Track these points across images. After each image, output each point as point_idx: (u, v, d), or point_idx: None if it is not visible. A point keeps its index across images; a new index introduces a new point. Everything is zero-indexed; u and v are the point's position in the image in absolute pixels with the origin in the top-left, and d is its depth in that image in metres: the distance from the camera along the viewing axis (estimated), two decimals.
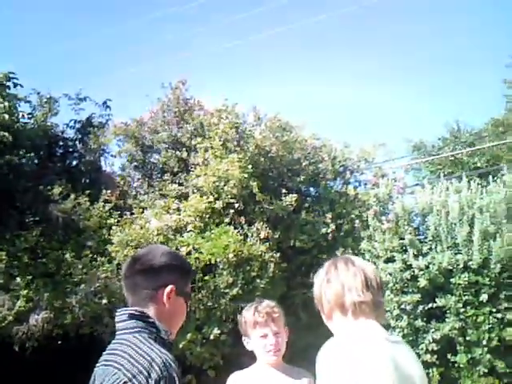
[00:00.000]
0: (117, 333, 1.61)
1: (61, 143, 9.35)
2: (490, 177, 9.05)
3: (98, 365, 1.61)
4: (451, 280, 7.47)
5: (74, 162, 9.35)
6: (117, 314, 1.64)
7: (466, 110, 28.28)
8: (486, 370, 7.11)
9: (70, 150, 9.37)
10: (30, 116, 8.78)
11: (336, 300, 1.68)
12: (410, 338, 7.41)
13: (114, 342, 1.61)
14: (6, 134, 7.29)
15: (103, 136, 9.04)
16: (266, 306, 2.45)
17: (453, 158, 15.86)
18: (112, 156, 9.40)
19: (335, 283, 1.70)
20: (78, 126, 9.32)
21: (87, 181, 8.95)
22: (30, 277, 6.64)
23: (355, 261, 1.75)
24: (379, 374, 1.50)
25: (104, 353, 1.61)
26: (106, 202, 7.72)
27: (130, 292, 1.67)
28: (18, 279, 6.53)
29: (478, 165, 15.03)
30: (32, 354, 6.89)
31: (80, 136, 9.28)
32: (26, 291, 6.44)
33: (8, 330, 6.38)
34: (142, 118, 9.34)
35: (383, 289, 1.76)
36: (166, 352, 1.51)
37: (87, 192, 7.72)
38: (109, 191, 7.97)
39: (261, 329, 2.38)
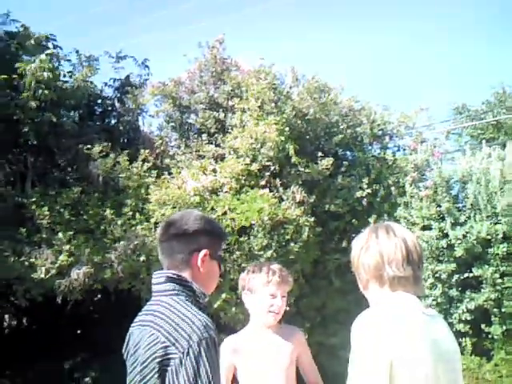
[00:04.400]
0: (153, 294, 1.64)
1: (100, 102, 9.46)
2: None
3: (133, 325, 1.65)
4: (489, 250, 7.34)
5: (113, 121, 9.47)
6: (154, 276, 1.67)
7: None
8: None
9: (109, 109, 9.48)
10: (70, 74, 8.88)
11: (374, 271, 1.63)
12: (444, 307, 7.38)
13: (150, 303, 1.64)
14: (48, 92, 7.39)
15: (141, 96, 9.07)
16: (280, 268, 2.49)
17: (495, 123, 15.27)
18: (150, 116, 9.46)
19: (375, 253, 1.63)
20: (116, 84, 9.40)
21: (126, 140, 9.08)
22: (71, 232, 6.85)
23: (397, 230, 1.67)
24: (416, 348, 1.50)
25: (140, 313, 1.65)
26: (144, 161, 7.81)
27: (165, 256, 1.69)
28: (61, 234, 6.75)
29: None
30: (73, 307, 7.21)
31: (119, 95, 9.35)
32: (67, 246, 6.67)
33: (51, 283, 6.66)
34: (180, 78, 9.27)
35: (423, 261, 1.71)
36: (203, 314, 1.54)
37: (126, 151, 7.82)
38: (147, 151, 8.05)
39: (273, 287, 2.40)
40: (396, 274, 1.59)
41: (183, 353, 1.41)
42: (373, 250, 1.64)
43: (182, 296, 1.58)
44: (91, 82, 8.95)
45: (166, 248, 1.69)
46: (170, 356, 1.43)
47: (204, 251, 1.65)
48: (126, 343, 1.66)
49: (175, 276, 1.61)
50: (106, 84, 9.37)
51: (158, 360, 1.44)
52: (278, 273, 2.42)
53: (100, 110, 9.47)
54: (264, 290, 2.42)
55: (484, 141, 9.79)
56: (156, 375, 1.44)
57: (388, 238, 1.64)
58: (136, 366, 1.52)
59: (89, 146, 7.64)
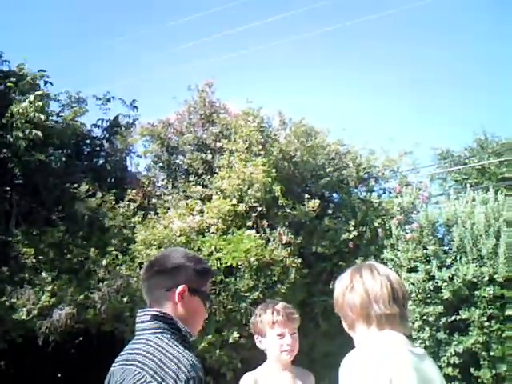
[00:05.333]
0: (137, 333, 1.60)
1: (88, 142, 9.53)
2: None
3: (115, 364, 1.59)
4: (476, 293, 7.33)
5: (101, 161, 9.52)
6: (138, 314, 1.63)
7: (495, 119, 27.76)
8: None
9: (97, 149, 9.55)
10: (59, 115, 8.97)
11: (361, 310, 1.60)
12: (432, 351, 7.28)
13: (133, 342, 1.59)
14: (38, 132, 7.44)
15: (130, 136, 9.17)
16: (284, 306, 2.48)
17: (480, 168, 15.59)
18: (138, 156, 9.54)
19: (360, 291, 1.61)
20: (105, 125, 9.50)
21: (113, 180, 9.10)
22: (55, 272, 6.75)
23: (380, 269, 1.66)
24: None
25: (122, 352, 1.60)
26: (130, 201, 7.80)
27: (147, 293, 1.68)
28: (44, 274, 6.64)
29: (506, 175, 14.72)
30: (54, 348, 6.99)
31: (107, 136, 9.45)
32: (50, 286, 6.56)
33: (32, 324, 6.50)
34: (169, 120, 9.43)
35: (407, 300, 1.70)
36: (189, 353, 1.50)
37: (113, 191, 7.82)
38: (134, 191, 8.05)
39: (279, 328, 2.40)
40: (383, 311, 1.57)
41: None
42: (358, 288, 1.61)
43: (168, 334, 1.54)
44: (80, 123, 9.04)
45: (147, 286, 1.69)
46: None
47: (181, 287, 1.62)
48: (106, 383, 1.60)
49: (161, 314, 1.58)
50: (94, 125, 9.47)
51: None
52: (281, 312, 2.42)
53: (88, 149, 9.53)
54: (272, 332, 2.41)
55: (468, 185, 9.95)
56: None
57: (373, 277, 1.63)
58: None
59: (75, 185, 7.63)
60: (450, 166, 16.23)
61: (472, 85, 27.34)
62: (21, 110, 7.59)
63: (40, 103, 7.71)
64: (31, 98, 7.80)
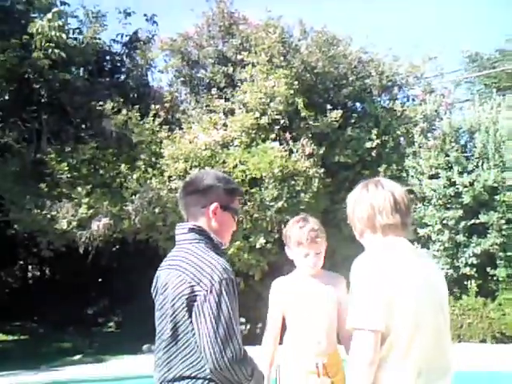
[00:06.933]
0: (177, 243, 1.88)
1: (108, 58, 9.51)
2: None
3: (160, 268, 1.89)
4: (496, 197, 7.49)
5: (122, 77, 9.54)
6: (177, 227, 1.91)
7: None
8: None
9: (118, 64, 9.54)
10: (78, 31, 8.91)
11: (367, 221, 1.81)
12: (451, 252, 7.62)
13: (175, 250, 1.88)
14: (60, 51, 7.48)
15: (150, 51, 9.11)
16: (311, 229, 2.47)
17: (510, 71, 14.98)
18: (159, 72, 9.52)
19: (367, 206, 1.82)
20: (125, 40, 9.41)
21: (136, 96, 9.16)
22: (89, 186, 7.12)
23: (385, 184, 1.86)
24: (409, 285, 1.68)
25: (165, 259, 1.90)
26: (155, 116, 7.96)
27: (184, 210, 1.96)
28: (79, 188, 7.02)
29: None
30: (94, 257, 7.55)
31: (127, 51, 9.39)
32: (87, 199, 6.96)
33: (72, 234, 7.00)
34: (188, 33, 9.29)
35: (411, 210, 1.89)
36: (222, 258, 1.78)
37: (137, 107, 7.96)
38: (158, 106, 8.17)
39: (304, 249, 2.47)
40: (386, 221, 1.77)
41: (207, 290, 1.66)
42: (365, 203, 1.82)
43: (203, 243, 1.79)
44: (99, 39, 8.98)
45: (184, 204, 1.92)
46: (196, 293, 1.67)
47: (214, 204, 1.85)
48: (154, 284, 1.89)
49: (195, 227, 1.83)
50: (114, 40, 9.39)
51: (185, 297, 1.69)
52: (307, 235, 2.44)
53: (109, 66, 9.52)
54: (297, 250, 2.49)
55: (495, 90, 9.74)
56: (185, 309, 1.69)
57: (377, 192, 1.81)
58: (166, 303, 1.76)
59: (101, 103, 7.78)
60: (479, 69, 15.66)
61: None
62: (40, 29, 7.57)
63: (59, 22, 7.66)
64: (49, 16, 7.74)
